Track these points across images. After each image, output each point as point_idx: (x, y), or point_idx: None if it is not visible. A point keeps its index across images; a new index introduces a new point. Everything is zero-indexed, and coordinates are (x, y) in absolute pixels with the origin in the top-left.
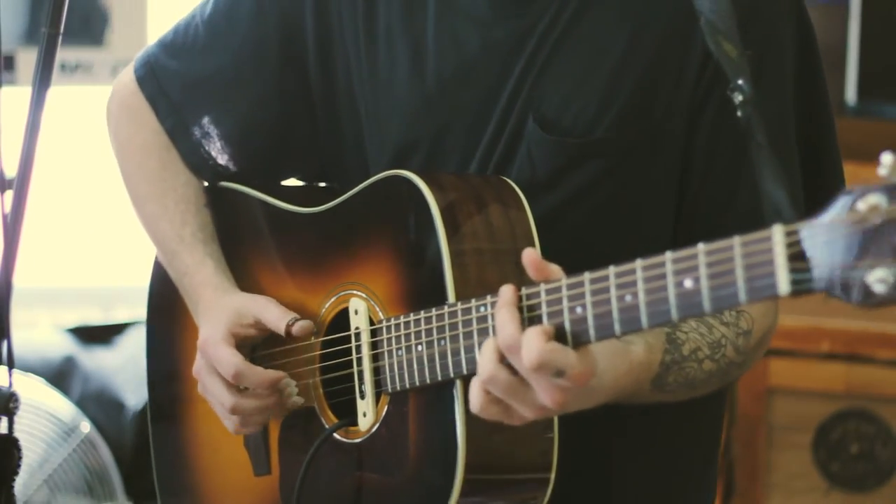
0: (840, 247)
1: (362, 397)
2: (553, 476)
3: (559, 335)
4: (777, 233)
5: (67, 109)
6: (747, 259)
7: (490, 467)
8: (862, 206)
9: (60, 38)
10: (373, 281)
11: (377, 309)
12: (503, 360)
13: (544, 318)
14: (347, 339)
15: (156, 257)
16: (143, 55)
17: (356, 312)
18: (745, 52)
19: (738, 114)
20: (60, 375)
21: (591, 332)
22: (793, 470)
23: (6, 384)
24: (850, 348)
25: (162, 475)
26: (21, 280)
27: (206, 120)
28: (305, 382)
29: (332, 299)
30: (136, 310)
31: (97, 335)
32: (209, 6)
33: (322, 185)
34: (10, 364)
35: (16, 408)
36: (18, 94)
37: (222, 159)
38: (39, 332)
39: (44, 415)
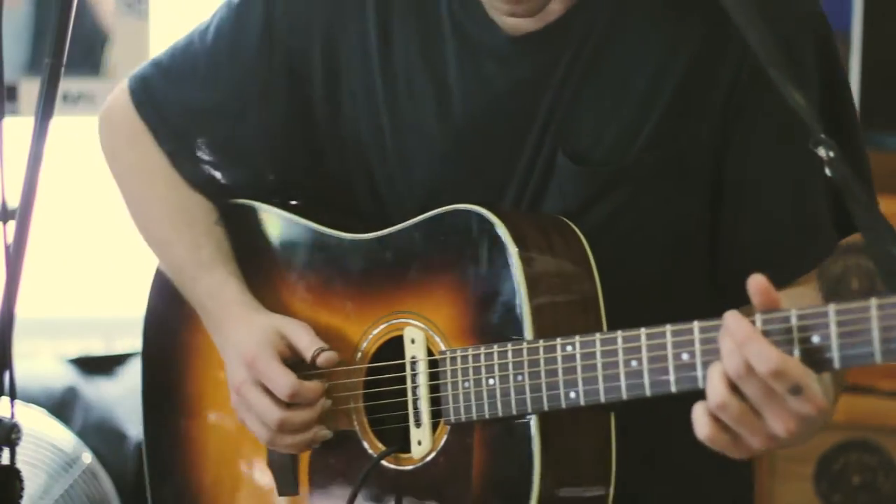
0: None
1: (418, 426)
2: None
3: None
4: None
5: (70, 140)
6: (884, 321)
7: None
8: None
9: (63, 68)
10: (432, 312)
11: (437, 339)
12: (733, 387)
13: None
14: (398, 367)
15: (154, 281)
16: (138, 77)
17: (412, 341)
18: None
19: (827, 172)
20: (62, 406)
21: (836, 357)
22: (795, 501)
23: (8, 415)
24: (852, 378)
25: (159, 495)
26: (23, 310)
27: (207, 147)
28: (346, 407)
29: (381, 327)
30: (137, 340)
31: (99, 366)
32: (210, 34)
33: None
34: (13, 395)
35: (18, 439)
36: (21, 125)
37: (226, 180)
38: (41, 362)
39: (45, 445)
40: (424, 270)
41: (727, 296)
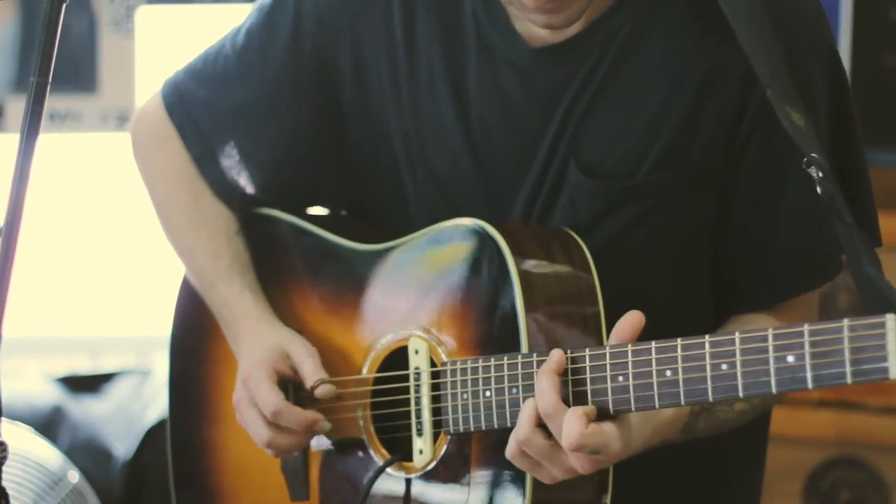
0: None
1: (419, 435)
2: None
3: (601, 404)
4: (891, 321)
5: (56, 158)
6: (854, 343)
7: None
8: None
9: (49, 86)
10: (435, 324)
11: (439, 351)
12: (540, 422)
13: (588, 383)
14: (403, 378)
15: (182, 283)
16: (171, 82)
17: (416, 352)
18: (809, 118)
19: (818, 190)
20: (49, 425)
21: (632, 402)
22: None
23: None
24: (841, 395)
25: (182, 497)
26: (9, 329)
27: (234, 149)
28: (354, 415)
29: (389, 337)
30: (124, 359)
31: (85, 384)
32: (241, 37)
33: (351, 216)
34: None
35: (4, 457)
36: (7, 142)
37: (250, 188)
38: (27, 381)
39: (32, 464)
40: (430, 282)
41: (728, 310)
